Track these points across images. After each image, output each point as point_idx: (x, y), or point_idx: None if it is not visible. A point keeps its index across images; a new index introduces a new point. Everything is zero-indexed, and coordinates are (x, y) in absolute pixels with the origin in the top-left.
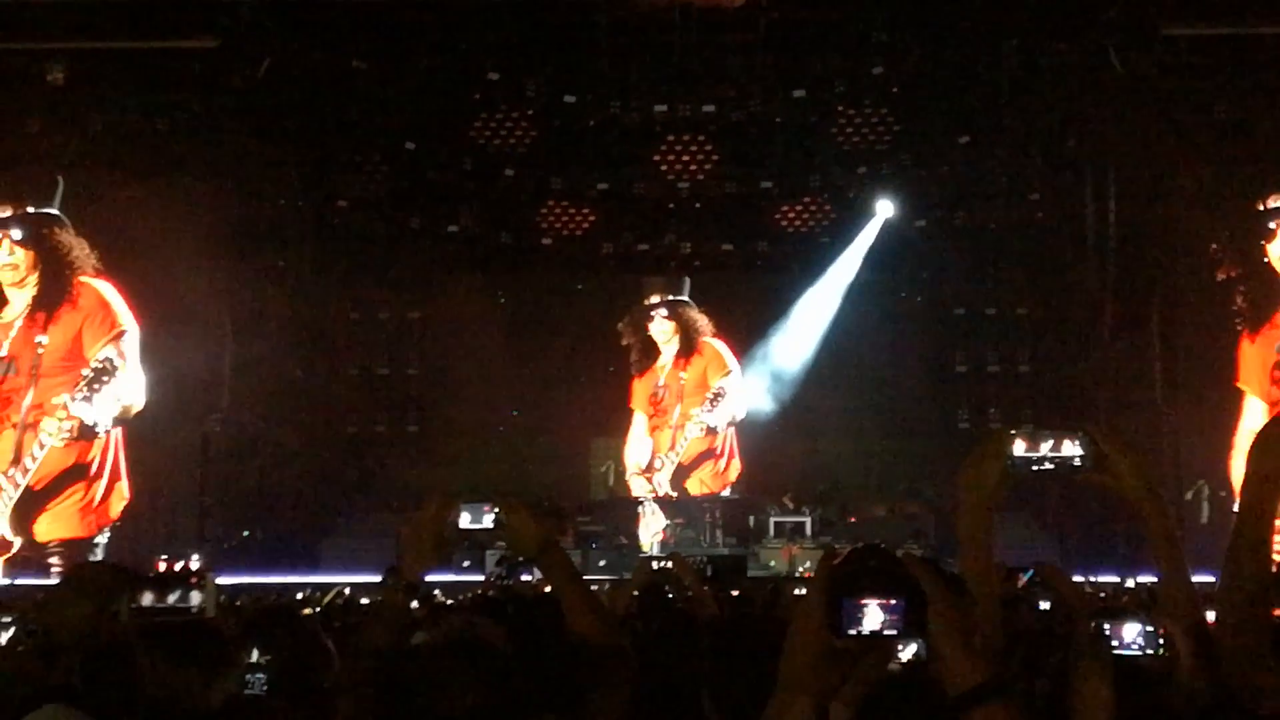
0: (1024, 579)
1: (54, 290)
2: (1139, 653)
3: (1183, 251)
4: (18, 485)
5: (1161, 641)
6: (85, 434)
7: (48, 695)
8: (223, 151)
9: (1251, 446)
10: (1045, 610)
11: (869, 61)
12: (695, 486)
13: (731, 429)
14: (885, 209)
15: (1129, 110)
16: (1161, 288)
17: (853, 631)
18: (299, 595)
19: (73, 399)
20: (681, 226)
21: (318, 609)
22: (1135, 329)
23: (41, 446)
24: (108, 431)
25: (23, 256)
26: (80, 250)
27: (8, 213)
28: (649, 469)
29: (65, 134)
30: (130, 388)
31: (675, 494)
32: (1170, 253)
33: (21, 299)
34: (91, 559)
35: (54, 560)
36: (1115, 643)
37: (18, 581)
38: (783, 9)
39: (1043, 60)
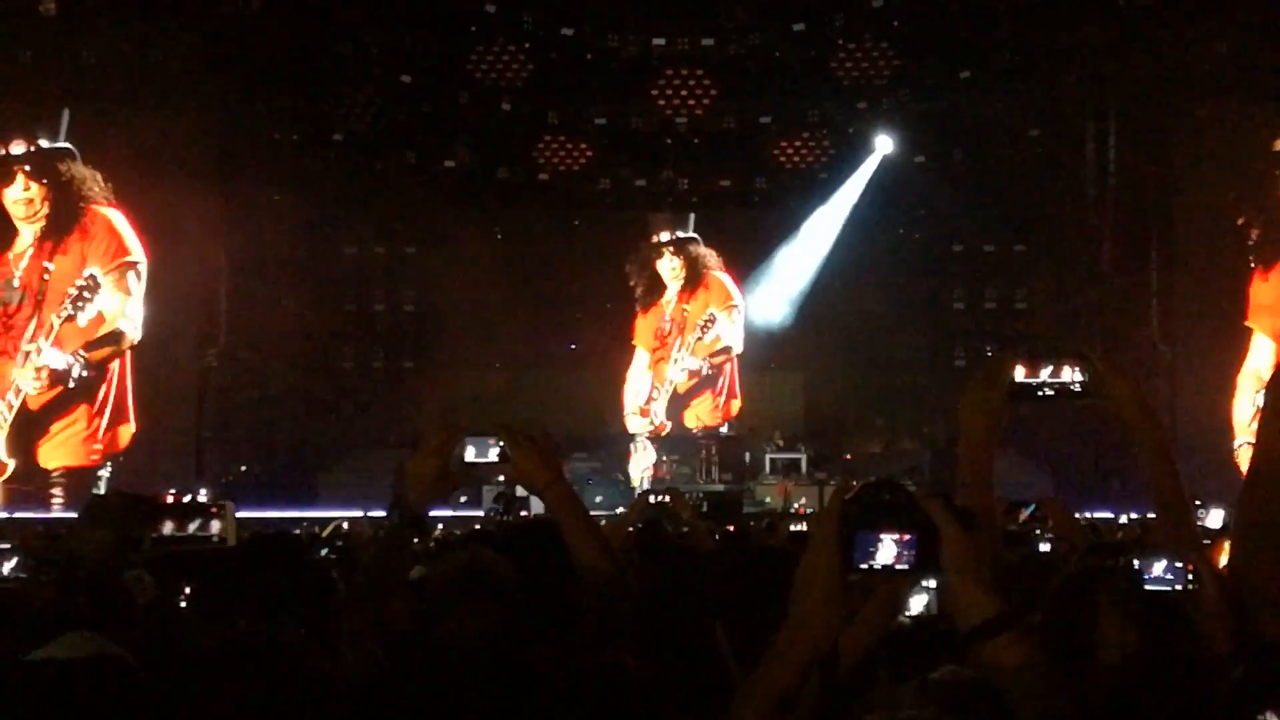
0: (1025, 513)
1: (64, 220)
2: (1167, 588)
3: (1183, 189)
4: (12, 409)
5: (1190, 576)
6: (58, 380)
7: (69, 623)
8: (217, 85)
9: (1269, 384)
10: (1043, 552)
11: None
12: (692, 420)
13: (731, 363)
14: (884, 145)
15: (1130, 45)
16: (1160, 225)
17: (865, 566)
18: (295, 530)
19: (58, 316)
20: (679, 162)
21: (318, 543)
22: (1133, 267)
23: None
24: (107, 365)
25: (37, 190)
26: (93, 182)
27: (21, 149)
28: (647, 403)
29: (58, 67)
30: (130, 318)
31: (669, 424)
32: (1170, 191)
33: (34, 231)
34: (95, 491)
35: (55, 492)
36: (1145, 578)
37: (16, 515)
38: None
39: None
